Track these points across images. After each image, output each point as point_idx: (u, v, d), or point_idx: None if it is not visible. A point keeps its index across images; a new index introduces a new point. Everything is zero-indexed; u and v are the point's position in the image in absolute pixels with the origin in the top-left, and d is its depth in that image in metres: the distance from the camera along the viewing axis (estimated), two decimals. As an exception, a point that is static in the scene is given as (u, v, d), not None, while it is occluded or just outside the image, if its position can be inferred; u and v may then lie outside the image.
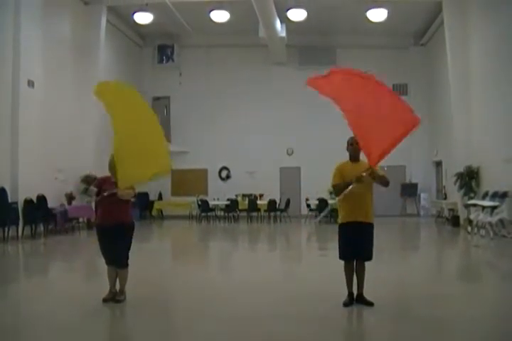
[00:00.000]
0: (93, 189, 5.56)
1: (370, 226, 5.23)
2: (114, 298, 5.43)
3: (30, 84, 12.50)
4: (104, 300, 5.38)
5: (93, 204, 14.65)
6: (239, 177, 20.23)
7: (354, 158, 5.31)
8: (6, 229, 11.43)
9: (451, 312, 5.09)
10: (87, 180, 14.65)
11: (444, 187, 17.28)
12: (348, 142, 5.30)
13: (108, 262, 5.51)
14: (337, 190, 5.20)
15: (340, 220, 5.30)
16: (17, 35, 12.10)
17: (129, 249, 5.52)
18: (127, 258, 5.50)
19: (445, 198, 16.77)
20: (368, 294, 5.25)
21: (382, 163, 4.90)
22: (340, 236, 5.30)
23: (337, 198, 5.23)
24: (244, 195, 19.10)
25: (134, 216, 5.82)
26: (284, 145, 20.17)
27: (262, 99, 20.06)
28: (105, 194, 5.27)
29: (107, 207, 5.42)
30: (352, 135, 5.24)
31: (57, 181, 13.87)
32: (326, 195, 17.42)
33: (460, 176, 14.08)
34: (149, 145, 5.23)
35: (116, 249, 5.41)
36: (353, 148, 5.25)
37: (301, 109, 19.44)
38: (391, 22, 16.63)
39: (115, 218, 5.38)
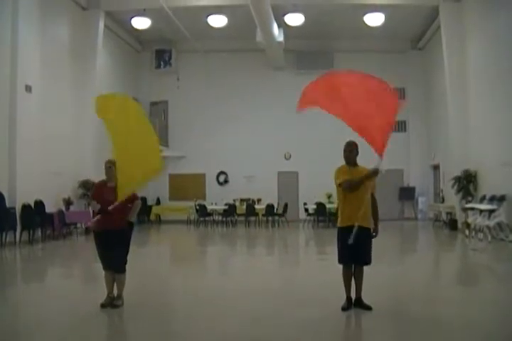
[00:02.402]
0: (95, 205, 5.52)
1: (368, 231, 5.24)
2: (112, 303, 5.42)
3: (28, 89, 12.49)
4: (102, 306, 5.36)
5: (91, 210, 14.70)
6: (237, 182, 20.22)
7: (349, 162, 5.36)
8: (4, 234, 11.40)
9: (450, 315, 5.08)
10: (86, 185, 14.66)
11: (442, 190, 17.30)
12: (344, 147, 5.36)
13: (105, 267, 5.50)
14: (348, 186, 5.13)
15: (339, 223, 5.32)
16: (15, 39, 12.10)
17: (126, 254, 5.52)
18: (125, 263, 5.50)
19: (443, 202, 16.79)
20: (366, 298, 5.26)
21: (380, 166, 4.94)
22: (339, 240, 5.30)
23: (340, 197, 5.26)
24: (242, 200, 19.10)
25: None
26: (282, 150, 20.18)
27: (260, 103, 20.11)
28: (110, 208, 5.26)
29: (105, 213, 5.42)
30: (348, 140, 5.33)
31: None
32: (323, 200, 17.44)
33: (458, 180, 14.10)
34: (144, 148, 5.33)
35: (114, 254, 5.41)
36: (346, 154, 5.33)
37: (299, 113, 19.42)
38: (388, 26, 16.73)
39: (113, 223, 5.38)
